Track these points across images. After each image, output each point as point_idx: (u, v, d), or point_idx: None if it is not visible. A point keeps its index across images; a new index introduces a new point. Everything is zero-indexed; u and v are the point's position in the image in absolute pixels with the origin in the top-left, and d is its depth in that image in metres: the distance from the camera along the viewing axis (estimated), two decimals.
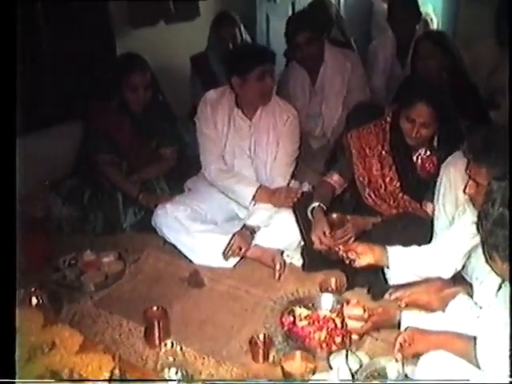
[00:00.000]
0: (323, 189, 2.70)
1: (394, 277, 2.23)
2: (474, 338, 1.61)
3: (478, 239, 2.06)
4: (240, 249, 2.71)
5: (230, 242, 2.71)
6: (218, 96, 2.93)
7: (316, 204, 2.57)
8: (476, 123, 3.02)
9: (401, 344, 1.74)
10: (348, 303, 2.06)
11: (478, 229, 1.40)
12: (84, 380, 1.47)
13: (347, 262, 2.25)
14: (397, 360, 1.77)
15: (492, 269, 1.45)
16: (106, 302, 2.49)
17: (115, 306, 2.46)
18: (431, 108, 2.37)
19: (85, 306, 2.46)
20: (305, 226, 2.66)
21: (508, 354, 1.30)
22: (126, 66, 3.04)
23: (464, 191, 1.98)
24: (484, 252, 1.42)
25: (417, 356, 1.71)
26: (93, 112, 3.11)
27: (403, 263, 2.22)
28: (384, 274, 2.26)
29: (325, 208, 2.57)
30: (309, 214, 2.58)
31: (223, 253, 2.71)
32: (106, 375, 1.48)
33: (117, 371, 1.55)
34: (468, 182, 1.94)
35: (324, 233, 2.46)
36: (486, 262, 1.43)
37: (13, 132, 1.35)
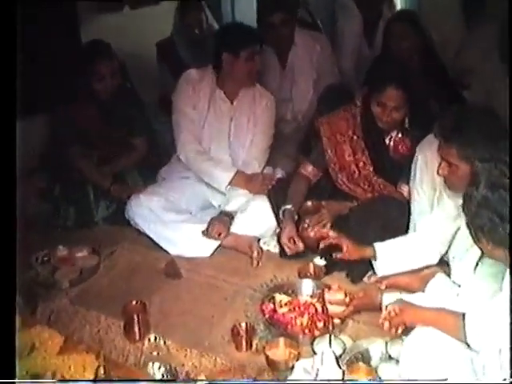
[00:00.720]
0: (299, 183, 2.70)
1: (381, 268, 2.23)
2: (463, 315, 1.63)
3: (459, 221, 2.10)
4: (219, 234, 2.69)
5: (208, 227, 2.70)
6: (199, 76, 2.89)
7: (288, 206, 2.58)
8: (448, 104, 3.06)
9: (389, 313, 1.74)
10: (329, 289, 2.06)
11: (463, 210, 1.40)
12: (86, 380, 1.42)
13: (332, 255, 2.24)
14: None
15: (481, 249, 1.46)
16: (83, 298, 2.43)
17: (92, 301, 2.41)
18: (401, 91, 2.37)
19: (60, 303, 2.40)
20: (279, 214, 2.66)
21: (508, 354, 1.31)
22: (91, 53, 2.95)
23: (437, 172, 1.99)
24: (471, 233, 1.42)
25: (404, 329, 1.71)
26: (60, 103, 3.01)
27: (390, 256, 2.22)
28: (371, 264, 2.26)
29: (294, 211, 2.58)
30: (280, 214, 2.59)
31: (203, 235, 2.69)
32: (90, 376, 1.44)
33: (101, 371, 1.51)
34: (441, 162, 1.94)
35: (291, 239, 2.49)
36: (475, 242, 1.44)
37: None
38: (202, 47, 3.64)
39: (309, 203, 2.60)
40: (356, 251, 2.22)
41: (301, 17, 3.86)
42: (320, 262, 2.47)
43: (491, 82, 3.08)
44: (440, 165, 1.95)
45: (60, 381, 1.47)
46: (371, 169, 2.61)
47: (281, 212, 2.59)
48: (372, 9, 3.84)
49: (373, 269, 2.26)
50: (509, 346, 1.32)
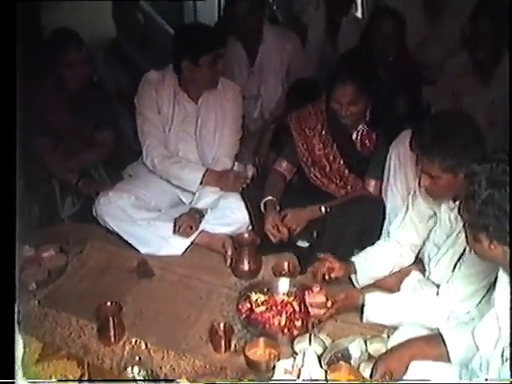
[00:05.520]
0: (274, 179, 2.70)
1: (360, 280, 2.23)
2: (441, 335, 1.67)
3: (432, 222, 2.14)
4: (191, 227, 2.66)
5: (178, 223, 2.66)
6: (160, 77, 2.81)
7: (268, 198, 2.58)
8: (416, 100, 3.13)
9: (381, 378, 1.74)
10: (312, 291, 2.04)
11: (461, 212, 1.42)
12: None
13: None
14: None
15: (471, 250, 1.49)
16: (52, 300, 2.35)
17: (62, 303, 2.33)
18: (353, 86, 2.38)
19: (28, 305, 2.30)
20: (254, 211, 2.65)
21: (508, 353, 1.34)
22: (60, 40, 2.84)
23: (419, 184, 2.00)
24: (466, 234, 1.45)
25: (401, 377, 1.70)
26: (26, 93, 2.88)
27: (369, 268, 2.23)
28: (351, 279, 2.26)
29: (277, 202, 2.58)
30: (262, 207, 2.59)
31: (174, 231, 2.65)
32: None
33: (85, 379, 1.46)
34: (421, 175, 1.95)
35: (275, 226, 2.50)
36: (467, 242, 1.47)
37: None
38: (150, 48, 3.57)
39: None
40: (342, 269, 2.19)
41: (270, 14, 3.84)
42: (303, 243, 2.46)
43: (457, 80, 3.14)
44: (420, 177, 1.96)
45: (60, 381, 1.41)
46: (341, 162, 2.63)
47: (261, 204, 2.58)
48: (336, 6, 3.86)
49: (351, 282, 2.25)
50: (509, 345, 1.34)
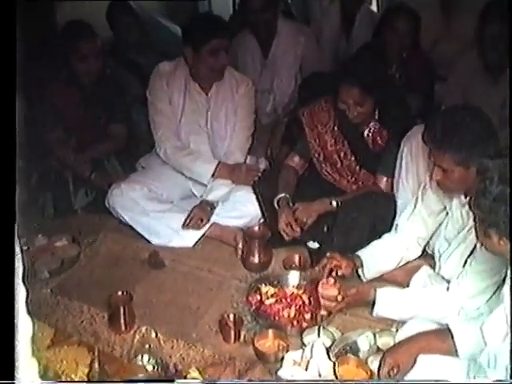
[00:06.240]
0: (287, 175, 2.70)
1: (367, 274, 2.23)
2: (449, 329, 1.67)
3: (442, 216, 2.13)
4: (201, 220, 2.67)
5: (189, 215, 2.67)
6: (171, 68, 2.82)
7: (282, 195, 2.58)
8: (429, 96, 3.11)
9: (389, 372, 1.75)
10: (326, 282, 2.04)
11: (470, 208, 1.42)
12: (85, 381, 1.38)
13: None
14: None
15: (482, 245, 1.49)
16: (64, 289, 2.38)
17: (74, 292, 2.36)
18: (358, 89, 2.37)
19: (40, 293, 2.34)
20: (266, 205, 2.66)
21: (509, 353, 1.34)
22: (74, 33, 2.86)
23: (430, 177, 2.00)
24: (476, 229, 1.45)
25: (408, 370, 1.70)
26: (40, 85, 2.91)
27: (375, 261, 2.23)
28: (358, 274, 2.25)
29: (290, 198, 2.58)
30: (275, 204, 2.59)
31: (184, 224, 2.67)
32: (85, 370, 1.40)
33: (96, 365, 1.47)
34: (434, 168, 1.95)
35: (288, 224, 2.50)
36: (477, 238, 1.47)
37: None
38: (151, 49, 3.57)
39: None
40: (349, 267, 2.18)
41: (284, 8, 3.83)
42: (314, 244, 2.47)
43: (467, 78, 3.12)
44: (433, 170, 1.95)
45: (60, 381, 1.43)
46: (353, 159, 2.63)
47: (275, 201, 2.58)
48: (350, 2, 3.85)
49: (358, 276, 2.25)
50: (509, 345, 1.34)
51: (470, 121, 1.86)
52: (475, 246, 1.87)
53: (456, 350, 1.68)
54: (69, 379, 1.48)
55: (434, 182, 2.01)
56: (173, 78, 2.82)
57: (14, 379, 1.11)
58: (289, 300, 2.23)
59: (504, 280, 1.55)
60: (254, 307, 2.20)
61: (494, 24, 2.89)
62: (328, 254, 2.19)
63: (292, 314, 2.16)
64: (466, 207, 1.91)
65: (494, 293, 1.83)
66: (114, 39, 3.61)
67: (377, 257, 2.23)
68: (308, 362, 1.87)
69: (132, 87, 3.36)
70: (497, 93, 2.98)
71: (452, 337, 1.69)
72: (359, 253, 2.24)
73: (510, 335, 1.35)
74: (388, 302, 2.00)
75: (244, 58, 3.49)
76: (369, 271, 2.23)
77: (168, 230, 2.70)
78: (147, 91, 2.87)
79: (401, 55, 3.18)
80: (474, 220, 1.44)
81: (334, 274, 2.13)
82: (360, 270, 2.24)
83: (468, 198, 1.67)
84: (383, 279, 2.25)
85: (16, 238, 1.22)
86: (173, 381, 1.70)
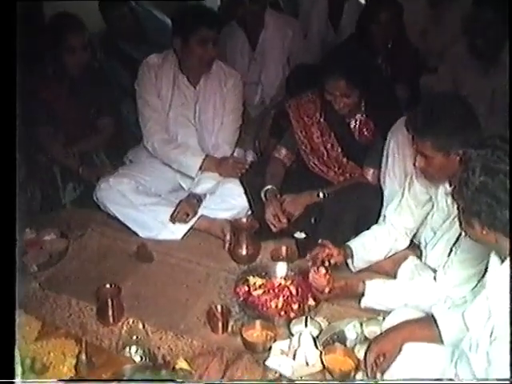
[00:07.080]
0: (274, 167, 2.71)
1: (356, 265, 2.25)
2: (433, 318, 1.69)
3: (428, 206, 2.15)
4: (187, 215, 2.67)
5: (176, 209, 2.68)
6: (160, 61, 2.82)
7: (269, 187, 2.59)
8: (415, 87, 3.12)
9: (375, 360, 1.76)
10: (318, 270, 2.06)
11: (455, 197, 1.43)
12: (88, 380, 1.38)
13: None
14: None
15: (466, 234, 1.50)
16: (53, 282, 2.38)
17: (62, 285, 2.36)
18: (344, 80, 2.37)
19: (29, 287, 2.34)
20: (254, 197, 2.67)
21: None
22: (61, 25, 2.84)
23: (414, 165, 2.02)
24: (460, 218, 1.46)
25: (392, 359, 1.72)
26: (27, 80, 2.89)
27: (365, 252, 2.24)
28: (347, 264, 2.27)
29: (277, 190, 2.59)
30: (262, 196, 2.60)
31: (171, 217, 2.67)
32: (72, 361, 1.41)
33: (83, 356, 1.48)
34: (416, 155, 1.97)
35: (275, 216, 2.51)
36: (460, 227, 1.48)
37: None
38: (144, 41, 3.56)
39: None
40: (341, 255, 2.19)
41: (272, 0, 3.83)
42: (300, 235, 2.48)
43: (457, 68, 3.14)
44: (415, 157, 1.97)
45: (60, 380, 1.44)
46: (339, 150, 2.64)
47: (262, 193, 2.60)
48: None
49: (347, 265, 2.27)
50: (509, 345, 1.35)
51: (449, 107, 1.88)
52: (460, 235, 1.89)
53: (441, 337, 1.70)
54: (56, 371, 1.48)
55: (419, 171, 2.02)
56: (161, 70, 2.81)
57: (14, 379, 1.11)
58: (276, 291, 2.24)
59: (486, 268, 1.56)
60: (241, 298, 2.21)
61: (485, 12, 2.90)
62: (320, 241, 2.20)
63: (280, 305, 2.18)
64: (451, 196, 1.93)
65: (479, 281, 1.86)
66: (105, 32, 3.59)
67: (367, 247, 2.24)
68: (295, 351, 1.89)
69: (124, 80, 3.35)
70: (487, 82, 3.00)
71: (436, 324, 1.71)
72: (349, 243, 2.26)
73: (509, 335, 1.36)
74: (376, 293, 2.02)
75: (232, 50, 3.50)
76: (358, 261, 2.24)
77: (156, 223, 2.71)
78: (135, 83, 2.87)
79: (386, 46, 3.19)
80: (458, 209, 1.45)
81: (326, 263, 2.13)
82: (350, 261, 2.25)
83: (452, 187, 1.68)
84: (371, 269, 2.27)
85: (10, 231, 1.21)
86: (170, 380, 1.69)
